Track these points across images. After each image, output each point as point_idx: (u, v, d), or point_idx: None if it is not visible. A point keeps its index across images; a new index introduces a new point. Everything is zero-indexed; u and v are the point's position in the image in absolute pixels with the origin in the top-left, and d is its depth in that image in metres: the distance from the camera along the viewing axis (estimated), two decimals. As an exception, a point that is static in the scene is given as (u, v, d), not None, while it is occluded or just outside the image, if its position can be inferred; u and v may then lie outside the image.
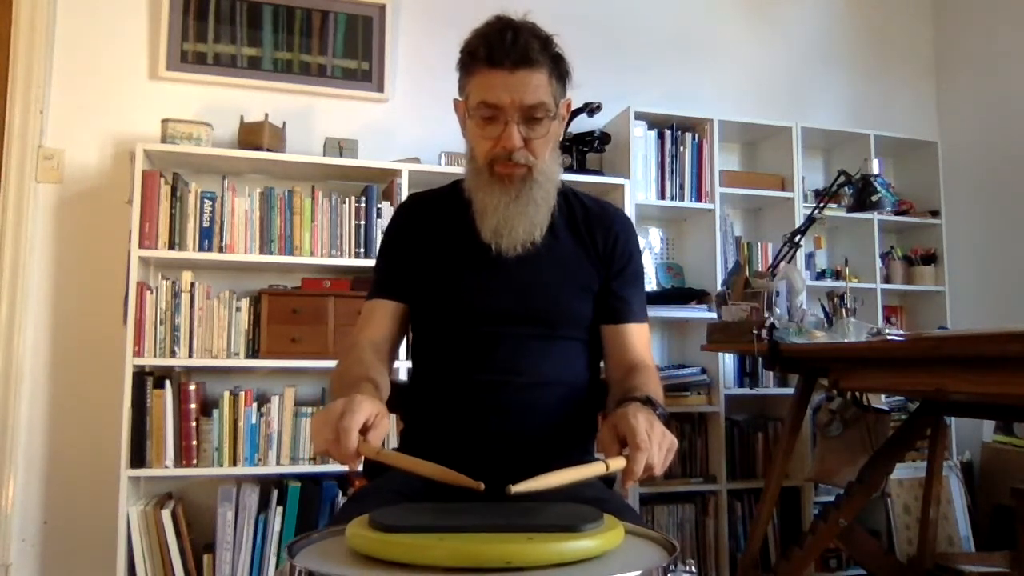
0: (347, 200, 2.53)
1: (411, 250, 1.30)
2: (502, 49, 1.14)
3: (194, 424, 2.32)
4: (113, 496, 2.25)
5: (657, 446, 0.91)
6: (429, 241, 1.29)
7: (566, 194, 1.33)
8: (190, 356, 2.35)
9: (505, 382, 1.20)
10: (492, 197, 1.22)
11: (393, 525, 0.74)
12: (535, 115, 1.17)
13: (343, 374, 1.16)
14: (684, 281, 3.05)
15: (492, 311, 1.23)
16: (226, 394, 2.36)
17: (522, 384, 1.20)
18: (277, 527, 2.33)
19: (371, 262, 2.24)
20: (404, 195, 2.46)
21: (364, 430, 0.90)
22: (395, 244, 1.33)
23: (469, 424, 1.21)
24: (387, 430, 0.95)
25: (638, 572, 0.71)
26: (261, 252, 2.45)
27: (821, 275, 3.14)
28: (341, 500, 2.40)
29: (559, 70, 1.21)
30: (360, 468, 0.93)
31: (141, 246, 2.31)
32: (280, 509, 2.34)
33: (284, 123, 2.62)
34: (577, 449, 1.27)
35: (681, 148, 2.97)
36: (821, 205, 2.49)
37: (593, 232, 1.29)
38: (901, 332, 2.42)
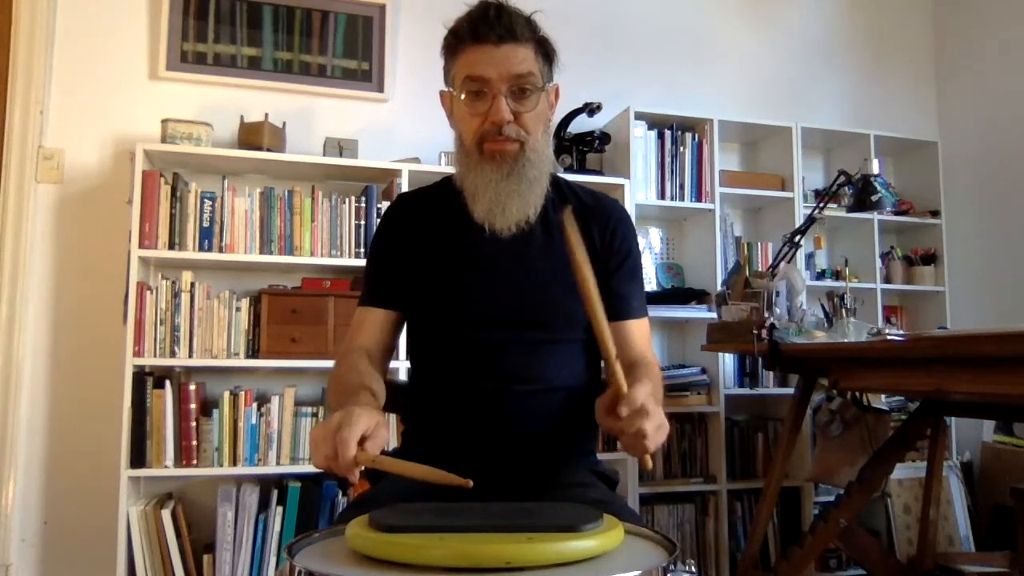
0: (347, 200, 2.53)
1: (402, 254, 1.28)
2: (486, 24, 1.14)
3: (194, 424, 2.32)
4: (113, 496, 2.25)
5: (652, 410, 0.92)
6: (421, 242, 1.27)
7: (560, 186, 1.30)
8: (190, 356, 2.35)
9: (507, 389, 1.19)
10: (483, 176, 1.19)
11: (393, 525, 0.74)
12: (523, 86, 1.16)
13: (340, 381, 1.16)
14: (684, 281, 3.05)
15: (491, 317, 1.21)
16: (226, 394, 2.36)
17: (524, 391, 1.20)
18: (277, 527, 2.33)
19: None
20: (404, 195, 2.46)
21: (362, 441, 0.90)
22: (385, 248, 1.31)
23: (472, 431, 1.20)
24: (386, 439, 0.94)
25: (638, 572, 0.71)
26: (261, 252, 2.45)
27: (821, 275, 3.14)
28: (341, 500, 2.40)
29: (545, 50, 1.21)
30: (357, 479, 0.92)
31: (141, 246, 2.32)
32: (280, 509, 2.34)
33: (284, 123, 2.62)
34: (580, 452, 1.27)
35: (681, 148, 2.97)
36: (821, 205, 2.49)
37: (589, 226, 1.27)
38: (901, 332, 2.42)
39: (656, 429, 0.93)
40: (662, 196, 2.93)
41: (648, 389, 0.94)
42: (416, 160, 2.65)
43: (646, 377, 1.08)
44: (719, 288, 2.58)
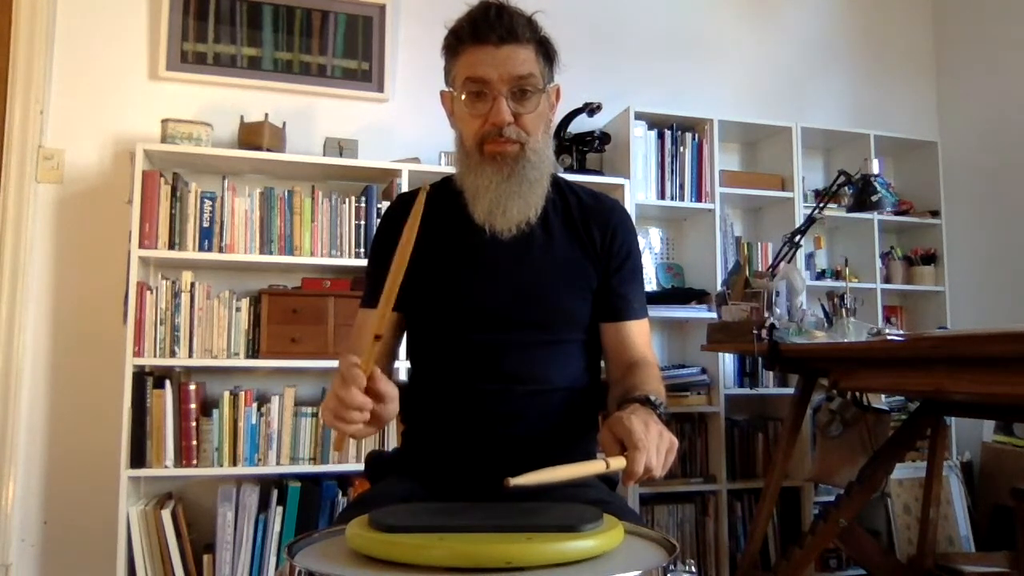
0: (347, 200, 2.53)
1: None
2: (487, 24, 1.14)
3: (194, 424, 2.32)
4: (113, 496, 2.25)
5: (655, 447, 0.90)
6: (421, 242, 1.27)
7: (560, 186, 1.30)
8: (190, 356, 2.35)
9: (507, 390, 1.19)
10: (484, 177, 1.19)
11: (393, 525, 0.74)
12: (524, 87, 1.16)
13: None
14: (684, 281, 3.05)
15: (492, 318, 1.21)
16: (226, 394, 2.36)
17: (524, 391, 1.20)
18: (277, 527, 2.33)
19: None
20: (404, 195, 2.46)
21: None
22: (385, 249, 1.28)
23: (472, 431, 1.20)
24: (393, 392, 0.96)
25: (638, 572, 0.71)
26: (261, 252, 2.45)
27: (821, 275, 3.14)
28: (341, 500, 2.40)
29: (546, 50, 1.20)
30: (364, 394, 0.92)
31: (141, 246, 2.31)
32: (280, 509, 2.34)
33: (284, 123, 2.62)
34: (580, 452, 1.27)
35: (681, 148, 2.97)
36: (821, 205, 2.49)
37: (590, 227, 1.27)
38: (901, 332, 2.42)
39: (662, 457, 0.92)
40: (662, 196, 2.93)
41: (639, 422, 0.92)
42: (416, 160, 2.65)
43: (638, 390, 1.08)
44: (719, 288, 2.58)
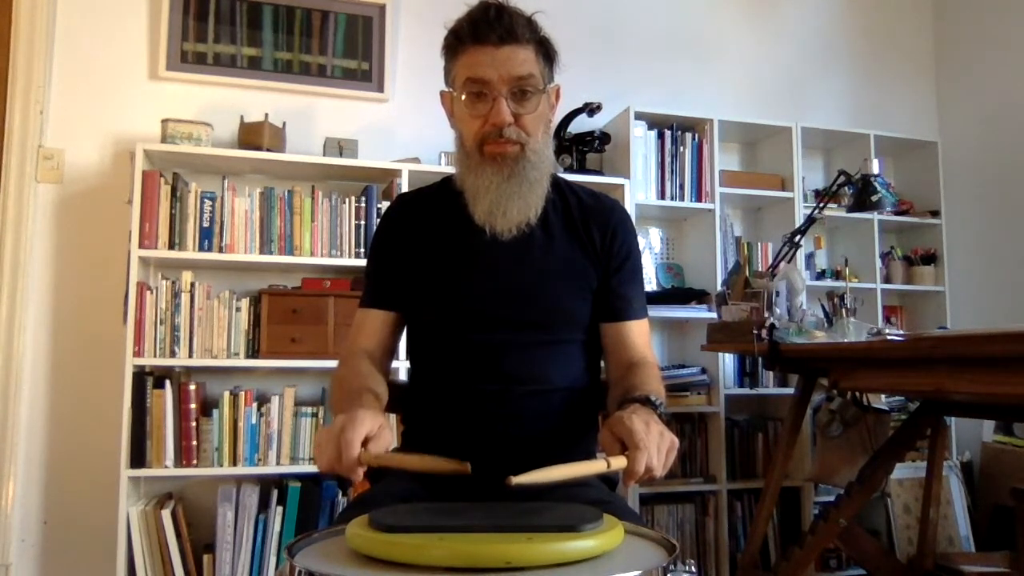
0: (347, 200, 2.53)
1: (402, 255, 1.28)
2: (487, 24, 1.14)
3: (194, 424, 2.32)
4: (113, 496, 2.25)
5: (656, 447, 0.90)
6: (420, 242, 1.27)
7: (560, 186, 1.30)
8: (190, 356, 2.35)
9: (507, 390, 1.19)
10: (484, 178, 1.19)
11: (393, 525, 0.74)
12: (524, 88, 1.16)
13: (342, 384, 1.16)
14: (684, 281, 3.05)
15: (492, 318, 1.21)
16: (226, 394, 2.36)
17: (524, 392, 1.20)
18: (277, 527, 2.33)
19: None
20: (404, 195, 2.46)
21: (365, 443, 0.91)
22: (385, 249, 1.31)
23: (472, 431, 1.20)
24: (390, 442, 0.95)
25: (638, 572, 0.71)
26: (261, 252, 2.45)
27: (821, 275, 3.14)
28: (341, 500, 2.40)
29: (546, 50, 1.20)
30: (360, 478, 0.93)
31: (141, 246, 2.32)
32: (280, 509, 2.34)
33: (284, 123, 2.62)
34: (580, 452, 1.27)
35: (681, 148, 2.97)
36: (821, 205, 2.49)
37: (590, 227, 1.27)
38: (901, 332, 2.42)
39: (663, 457, 0.92)
40: (662, 196, 2.93)
41: (639, 422, 0.92)
42: (416, 160, 2.65)
43: (638, 390, 1.09)
44: (719, 288, 2.58)
